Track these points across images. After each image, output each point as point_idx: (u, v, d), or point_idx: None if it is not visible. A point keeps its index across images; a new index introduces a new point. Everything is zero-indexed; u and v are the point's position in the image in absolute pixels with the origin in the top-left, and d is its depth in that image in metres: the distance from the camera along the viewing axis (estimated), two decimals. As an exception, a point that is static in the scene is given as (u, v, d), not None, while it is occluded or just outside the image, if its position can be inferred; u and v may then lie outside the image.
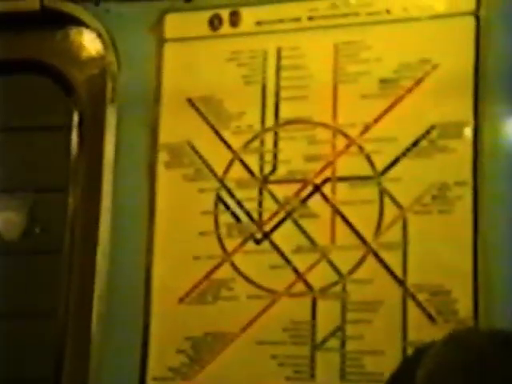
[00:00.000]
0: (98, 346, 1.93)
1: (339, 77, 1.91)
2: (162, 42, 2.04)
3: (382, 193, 1.85)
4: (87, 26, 2.09)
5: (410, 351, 1.75)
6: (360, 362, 1.81)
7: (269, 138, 1.94)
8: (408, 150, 1.85)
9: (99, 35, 2.07)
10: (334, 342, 1.83)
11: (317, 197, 1.89)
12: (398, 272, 1.81)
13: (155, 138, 1.99)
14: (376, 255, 1.83)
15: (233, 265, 1.91)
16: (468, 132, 1.82)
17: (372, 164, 1.87)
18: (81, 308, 1.95)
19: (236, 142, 1.95)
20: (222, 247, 1.92)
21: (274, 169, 1.93)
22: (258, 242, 1.91)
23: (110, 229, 1.97)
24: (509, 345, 0.90)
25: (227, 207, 1.94)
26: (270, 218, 1.91)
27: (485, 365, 0.86)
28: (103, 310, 1.94)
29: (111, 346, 1.93)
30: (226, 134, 1.96)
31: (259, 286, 1.88)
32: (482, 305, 1.75)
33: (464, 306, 1.77)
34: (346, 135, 1.89)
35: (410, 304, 1.80)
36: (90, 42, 2.09)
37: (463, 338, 0.94)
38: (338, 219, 1.86)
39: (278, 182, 1.92)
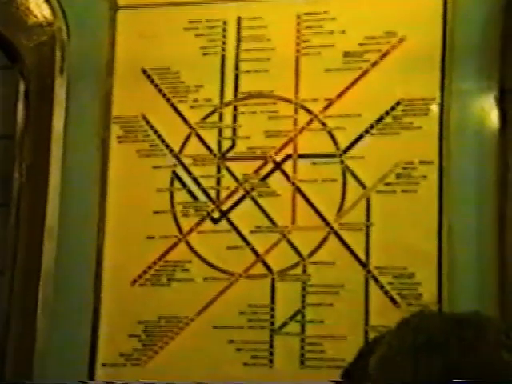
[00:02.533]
0: (43, 332, 1.87)
1: (302, 49, 1.87)
2: (114, 8, 1.98)
3: (345, 171, 1.82)
4: (34, -11, 2.00)
5: (372, 336, 1.71)
6: (320, 348, 1.78)
7: (228, 113, 1.89)
8: (372, 126, 1.81)
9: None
10: (293, 327, 1.79)
11: (277, 175, 1.85)
12: (361, 254, 1.79)
13: (107, 111, 1.93)
14: (338, 236, 1.80)
15: (189, 245, 1.86)
16: (434, 109, 1.79)
17: (335, 141, 1.83)
18: (26, 291, 1.90)
19: (193, 117, 1.90)
20: (178, 227, 1.87)
21: (233, 145, 1.88)
22: (215, 221, 1.86)
23: (58, 207, 1.91)
24: (458, 326, 0.90)
25: (183, 185, 1.89)
26: (228, 197, 1.86)
27: (433, 346, 0.87)
28: (50, 293, 1.89)
29: (58, 331, 1.88)
30: (183, 108, 1.91)
31: (216, 268, 1.84)
32: (446, 288, 1.73)
33: (428, 290, 1.74)
34: (308, 110, 1.85)
35: (373, 287, 1.78)
36: (37, 7, 1.99)
37: (414, 322, 0.93)
38: (299, 198, 1.83)
39: (237, 158, 1.87)
